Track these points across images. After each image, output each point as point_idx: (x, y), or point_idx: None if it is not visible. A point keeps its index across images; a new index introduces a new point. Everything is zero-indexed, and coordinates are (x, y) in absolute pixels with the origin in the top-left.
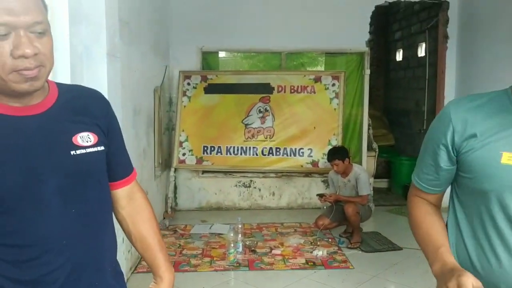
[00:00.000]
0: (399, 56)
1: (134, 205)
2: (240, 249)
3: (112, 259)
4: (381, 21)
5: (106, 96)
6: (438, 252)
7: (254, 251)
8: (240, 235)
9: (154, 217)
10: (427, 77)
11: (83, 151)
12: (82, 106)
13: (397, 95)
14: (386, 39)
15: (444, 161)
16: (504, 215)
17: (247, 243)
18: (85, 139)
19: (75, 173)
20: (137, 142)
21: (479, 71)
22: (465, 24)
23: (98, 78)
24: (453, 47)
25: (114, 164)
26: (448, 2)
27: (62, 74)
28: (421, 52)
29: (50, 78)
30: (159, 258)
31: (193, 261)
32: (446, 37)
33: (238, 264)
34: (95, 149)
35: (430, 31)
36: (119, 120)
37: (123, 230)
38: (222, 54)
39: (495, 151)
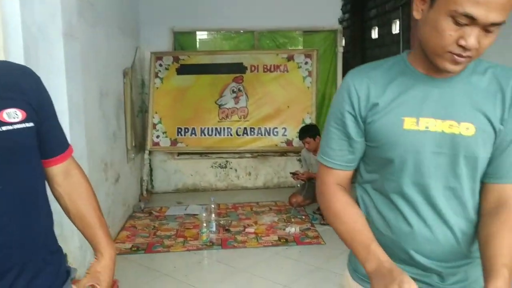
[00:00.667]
0: (374, 34)
1: (70, 182)
2: (214, 229)
3: (47, 237)
4: None
5: (65, 78)
6: (370, 249)
7: (228, 230)
8: (213, 215)
9: (92, 193)
10: None
11: (9, 127)
12: (10, 82)
13: None
14: (363, 17)
15: (354, 133)
16: (411, 181)
17: (221, 223)
18: (12, 115)
19: (2, 150)
20: (106, 124)
21: None
22: None
23: (55, 60)
24: None
25: (48, 140)
26: None
27: (15, 55)
28: (396, 29)
29: (3, 58)
30: (99, 234)
31: (167, 242)
32: None
33: (211, 244)
34: (23, 125)
35: (404, 8)
36: (81, 102)
37: (61, 207)
38: (202, 36)
39: (397, 118)
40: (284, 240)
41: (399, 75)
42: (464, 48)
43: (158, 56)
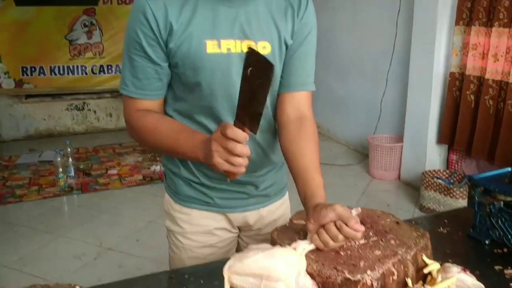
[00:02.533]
0: None
1: None
2: (72, 173)
3: None
4: None
5: None
6: (195, 136)
7: (88, 174)
8: (70, 159)
9: None
10: None
11: None
12: None
13: None
14: None
15: (158, 58)
16: (220, 103)
17: (80, 167)
18: None
19: None
20: None
21: None
22: None
23: None
24: None
25: None
26: None
27: None
28: None
29: None
30: None
31: (18, 192)
32: None
33: (70, 189)
34: None
35: None
36: None
37: None
38: None
39: (199, 42)
40: (149, 179)
41: None
42: None
43: None
